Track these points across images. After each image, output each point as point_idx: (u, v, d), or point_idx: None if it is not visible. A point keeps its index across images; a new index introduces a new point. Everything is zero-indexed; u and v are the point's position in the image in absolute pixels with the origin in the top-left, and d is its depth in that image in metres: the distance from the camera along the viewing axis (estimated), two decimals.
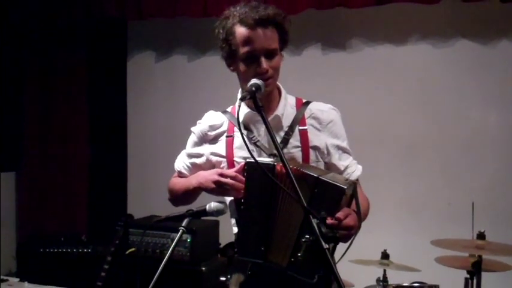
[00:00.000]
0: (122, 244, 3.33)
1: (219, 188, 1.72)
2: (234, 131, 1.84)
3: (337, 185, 1.57)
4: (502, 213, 3.33)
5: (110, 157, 4.36)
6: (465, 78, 3.50)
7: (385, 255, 2.91)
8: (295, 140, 1.80)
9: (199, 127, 1.92)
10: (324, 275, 1.43)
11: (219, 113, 1.91)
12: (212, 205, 1.77)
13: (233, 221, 1.82)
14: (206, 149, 1.89)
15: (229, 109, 1.91)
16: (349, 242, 1.60)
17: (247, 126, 1.81)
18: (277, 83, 1.85)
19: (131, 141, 4.33)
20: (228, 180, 1.70)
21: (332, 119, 1.86)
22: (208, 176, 1.76)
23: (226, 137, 1.85)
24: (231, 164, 1.80)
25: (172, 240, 1.78)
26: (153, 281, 1.70)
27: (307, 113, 1.84)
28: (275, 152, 1.71)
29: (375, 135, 3.60)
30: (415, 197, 3.55)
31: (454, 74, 3.52)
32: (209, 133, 1.89)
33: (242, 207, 1.72)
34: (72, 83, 4.35)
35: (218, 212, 1.78)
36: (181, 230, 1.78)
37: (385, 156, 3.58)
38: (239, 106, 1.60)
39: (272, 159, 1.70)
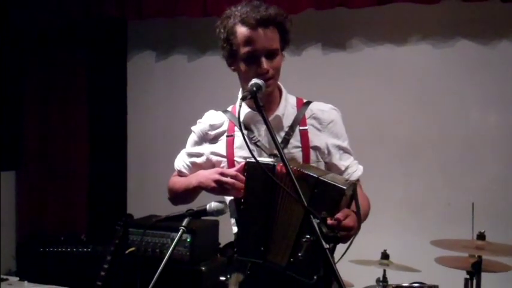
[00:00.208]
0: (122, 244, 3.33)
1: (220, 187, 1.72)
2: (234, 131, 1.83)
3: (336, 186, 1.57)
4: (502, 214, 3.33)
5: (110, 157, 4.36)
6: (465, 78, 3.50)
7: (385, 256, 2.91)
8: (295, 140, 1.79)
9: (200, 126, 1.92)
10: (323, 275, 1.43)
11: (220, 113, 1.91)
12: (212, 205, 1.77)
13: (233, 220, 1.82)
14: (206, 148, 1.89)
15: (229, 108, 1.91)
16: (349, 242, 1.60)
17: (247, 126, 1.81)
18: (278, 82, 1.85)
19: (131, 141, 4.33)
20: (228, 179, 1.70)
21: (333, 119, 1.85)
22: (208, 175, 1.76)
23: (227, 136, 1.84)
24: (231, 163, 1.80)
25: (172, 240, 1.78)
26: (153, 281, 1.70)
27: (307, 113, 1.84)
28: (275, 152, 1.71)
29: (375, 135, 3.60)
30: (415, 197, 3.55)
31: (454, 74, 3.52)
32: (209, 132, 1.89)
33: (242, 207, 1.72)
34: (72, 83, 4.34)
35: (218, 212, 1.78)
36: (181, 230, 1.78)
37: (385, 156, 3.58)
38: (240, 106, 1.60)
39: (272, 159, 1.70)
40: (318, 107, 1.86)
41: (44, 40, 4.22)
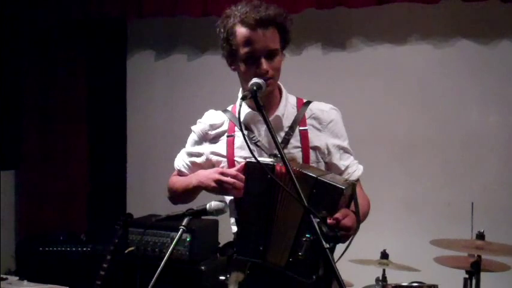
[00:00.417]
0: (121, 243, 3.33)
1: (220, 187, 1.72)
2: (234, 131, 1.83)
3: (335, 186, 1.57)
4: (501, 214, 3.33)
5: (110, 156, 4.36)
6: (465, 78, 3.50)
7: (384, 255, 2.91)
8: (295, 141, 1.80)
9: (200, 126, 1.92)
10: (322, 275, 1.43)
11: (220, 112, 1.91)
12: (212, 204, 1.77)
13: (232, 220, 1.82)
14: (206, 148, 1.89)
15: (229, 108, 1.91)
16: (348, 242, 1.60)
17: (247, 126, 1.81)
18: (278, 82, 1.85)
19: (131, 140, 4.33)
20: (228, 179, 1.70)
21: (333, 119, 1.86)
22: (208, 175, 1.76)
23: (227, 136, 1.84)
24: (231, 163, 1.80)
25: (172, 239, 1.78)
26: (152, 280, 1.70)
27: (307, 113, 1.84)
28: (275, 152, 1.72)
29: (375, 135, 3.60)
30: (415, 197, 3.55)
31: (453, 74, 3.52)
32: (209, 132, 1.89)
33: (242, 206, 1.72)
34: (72, 82, 4.34)
35: (218, 212, 1.78)
36: (181, 229, 1.78)
37: (384, 156, 3.58)
38: (240, 105, 1.59)
39: (272, 160, 1.70)
40: (318, 107, 1.86)
41: (44, 40, 4.22)
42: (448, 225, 3.30)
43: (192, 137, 1.94)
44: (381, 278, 2.90)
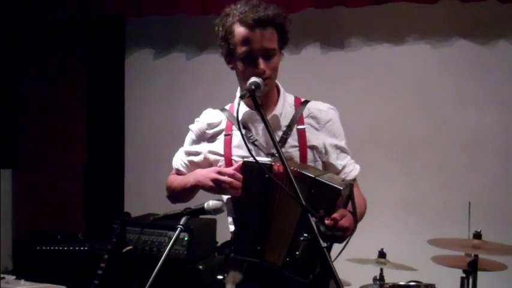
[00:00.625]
0: (119, 242, 3.32)
1: (217, 186, 1.72)
2: (232, 130, 1.84)
3: (333, 186, 1.57)
4: (498, 213, 3.33)
5: (107, 155, 4.35)
6: (463, 78, 3.50)
7: (382, 254, 2.91)
8: (293, 140, 1.80)
9: (198, 125, 1.92)
10: (320, 274, 1.44)
11: (217, 111, 1.91)
12: (210, 203, 1.77)
13: (230, 219, 1.82)
14: (204, 147, 1.89)
15: (227, 107, 1.91)
16: (345, 242, 1.60)
17: (245, 125, 1.81)
18: (276, 81, 1.85)
19: (129, 139, 4.33)
20: (226, 178, 1.70)
21: (330, 118, 1.86)
22: (206, 174, 1.76)
23: (225, 135, 1.85)
24: (229, 162, 1.81)
25: (170, 238, 1.78)
26: (150, 280, 1.70)
27: (305, 112, 1.84)
28: (273, 151, 1.72)
29: (373, 134, 3.60)
30: (412, 197, 3.56)
31: (452, 74, 3.53)
32: (207, 131, 1.89)
33: (239, 206, 1.73)
34: (70, 81, 4.34)
35: (216, 211, 1.77)
36: (179, 228, 1.78)
37: (382, 155, 3.58)
38: (238, 104, 1.60)
39: (269, 159, 1.70)
40: (315, 106, 1.86)
41: (42, 38, 4.22)
42: (445, 225, 3.30)
43: (190, 136, 1.94)
44: (378, 277, 2.90)
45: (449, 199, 3.44)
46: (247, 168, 1.68)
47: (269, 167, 1.65)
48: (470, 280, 2.69)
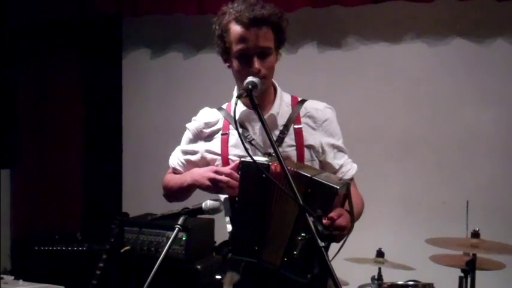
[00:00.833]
0: (117, 242, 3.32)
1: (214, 186, 1.72)
2: (229, 129, 1.83)
3: (330, 185, 1.57)
4: (496, 212, 3.34)
5: (105, 155, 4.35)
6: (460, 76, 3.51)
7: (380, 254, 2.91)
8: (290, 139, 1.79)
9: (195, 124, 1.92)
10: (318, 274, 1.43)
11: (214, 110, 1.91)
12: (208, 203, 1.76)
13: (227, 219, 1.82)
14: (201, 146, 1.89)
15: (224, 106, 1.91)
16: (342, 241, 1.60)
17: (242, 124, 1.80)
18: (273, 81, 1.85)
19: (126, 139, 4.32)
20: (223, 177, 1.70)
21: (327, 118, 1.85)
22: (203, 173, 1.76)
23: (222, 134, 1.84)
24: (225, 162, 1.80)
25: (168, 238, 1.78)
26: (148, 279, 1.70)
27: (302, 111, 1.84)
28: (270, 150, 1.72)
29: (370, 133, 3.60)
30: (410, 196, 3.56)
31: (449, 72, 3.53)
32: (204, 130, 1.89)
33: (236, 206, 1.72)
34: (67, 80, 4.33)
35: (214, 210, 1.77)
36: (177, 228, 1.78)
37: (380, 154, 3.58)
38: (235, 104, 1.59)
39: (267, 159, 1.70)
40: (312, 106, 1.86)
41: (38, 38, 4.21)
42: (443, 224, 3.30)
43: (187, 135, 1.94)
44: (376, 277, 2.90)
45: (447, 198, 3.44)
46: (244, 167, 1.68)
47: (266, 166, 1.65)
48: (469, 279, 2.69)
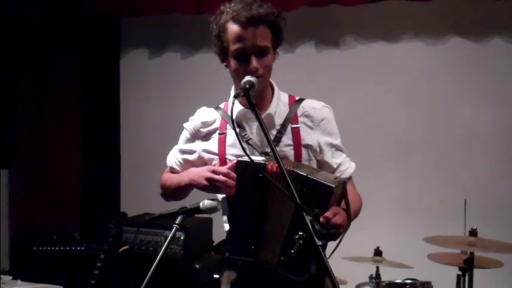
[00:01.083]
0: (115, 242, 3.32)
1: (211, 185, 1.72)
2: (226, 128, 1.83)
3: (325, 184, 1.57)
4: (494, 210, 3.34)
5: (103, 154, 4.35)
6: (458, 75, 3.51)
7: (378, 252, 2.91)
8: (287, 139, 1.80)
9: (192, 123, 1.92)
10: (315, 273, 1.43)
11: (212, 110, 1.91)
12: (206, 203, 1.76)
13: (225, 218, 1.82)
14: (198, 145, 1.89)
15: (222, 105, 1.91)
16: (339, 240, 1.60)
17: (239, 124, 1.81)
18: (271, 80, 1.85)
19: (124, 139, 4.32)
20: (220, 177, 1.70)
21: (325, 117, 1.85)
22: (200, 173, 1.76)
23: (219, 134, 1.84)
24: (223, 161, 1.80)
25: (166, 237, 1.78)
26: (146, 279, 1.70)
27: (299, 111, 1.84)
28: (267, 150, 1.72)
29: (368, 133, 3.60)
30: (408, 194, 3.56)
31: (447, 72, 3.53)
32: (201, 130, 1.89)
33: (233, 205, 1.72)
34: (65, 81, 4.33)
35: (211, 210, 1.77)
36: (174, 228, 1.78)
37: (378, 153, 3.59)
38: (233, 103, 1.60)
39: (264, 158, 1.70)
40: (310, 105, 1.86)
41: (37, 38, 4.20)
42: (441, 223, 3.30)
43: (184, 135, 1.94)
44: (374, 275, 2.90)
45: (445, 197, 3.45)
46: (242, 167, 1.68)
47: (263, 166, 1.65)
48: (467, 277, 2.69)
